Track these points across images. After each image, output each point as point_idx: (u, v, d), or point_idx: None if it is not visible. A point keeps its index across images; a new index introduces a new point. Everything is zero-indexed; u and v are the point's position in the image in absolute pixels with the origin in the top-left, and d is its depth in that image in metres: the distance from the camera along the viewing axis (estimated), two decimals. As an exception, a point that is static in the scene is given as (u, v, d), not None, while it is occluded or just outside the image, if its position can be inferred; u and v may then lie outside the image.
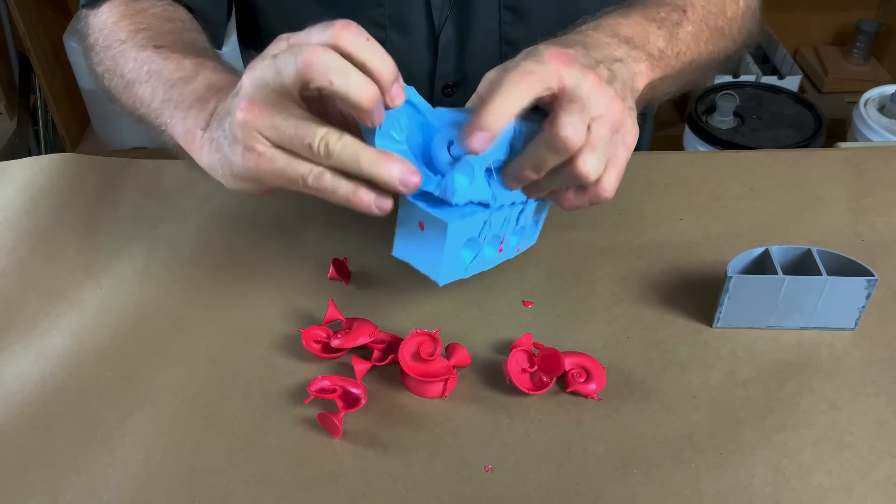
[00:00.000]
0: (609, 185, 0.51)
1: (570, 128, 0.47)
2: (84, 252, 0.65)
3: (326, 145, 0.45)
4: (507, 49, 0.75)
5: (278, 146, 0.46)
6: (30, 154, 1.86)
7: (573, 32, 0.58)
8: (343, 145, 0.45)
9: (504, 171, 0.51)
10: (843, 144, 0.80)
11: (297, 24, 0.75)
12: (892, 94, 1.56)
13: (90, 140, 1.97)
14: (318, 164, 0.46)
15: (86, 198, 0.71)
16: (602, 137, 0.49)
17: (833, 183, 0.71)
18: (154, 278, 0.62)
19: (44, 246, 0.66)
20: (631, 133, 0.52)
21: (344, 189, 0.47)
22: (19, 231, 0.67)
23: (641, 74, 0.56)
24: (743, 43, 0.70)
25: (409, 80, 0.79)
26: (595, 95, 0.48)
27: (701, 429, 0.51)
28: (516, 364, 0.53)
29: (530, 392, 0.52)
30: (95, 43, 0.66)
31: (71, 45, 1.74)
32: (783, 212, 0.68)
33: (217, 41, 0.74)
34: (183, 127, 0.53)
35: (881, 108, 1.59)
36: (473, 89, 0.78)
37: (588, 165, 0.48)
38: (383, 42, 0.72)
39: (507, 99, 0.47)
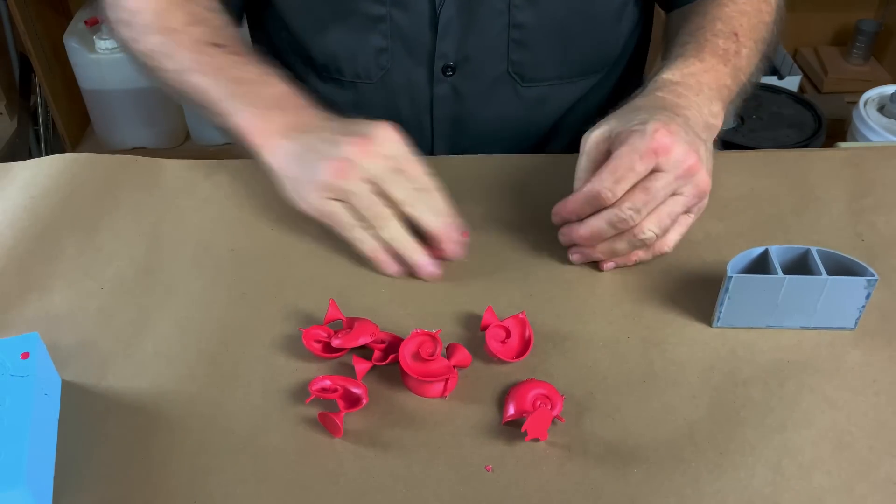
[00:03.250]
0: (672, 242, 0.60)
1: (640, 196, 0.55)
2: (84, 252, 0.65)
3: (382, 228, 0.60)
4: (515, 32, 0.75)
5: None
6: (30, 154, 1.86)
7: (661, 84, 0.63)
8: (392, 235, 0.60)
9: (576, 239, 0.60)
10: (842, 144, 0.80)
11: (307, 1, 0.76)
12: (892, 94, 1.56)
13: (90, 140, 1.97)
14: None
15: (86, 197, 0.71)
16: (673, 211, 0.57)
17: (833, 183, 0.71)
18: (154, 278, 0.62)
19: (44, 246, 0.66)
20: (706, 202, 0.59)
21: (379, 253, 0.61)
22: (19, 231, 0.67)
23: (718, 129, 0.63)
24: (775, 42, 0.73)
25: (410, 58, 0.81)
26: (682, 181, 0.56)
27: (701, 429, 0.51)
28: (494, 338, 0.55)
29: (513, 360, 0.54)
30: (132, 21, 0.70)
31: (71, 45, 1.73)
32: (783, 212, 0.68)
33: (235, 18, 0.78)
34: (261, 123, 0.62)
35: (881, 109, 1.59)
36: (476, 71, 0.80)
37: (647, 235, 0.57)
38: (383, 19, 0.73)
39: (616, 178, 0.54)
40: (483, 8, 0.73)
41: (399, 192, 0.58)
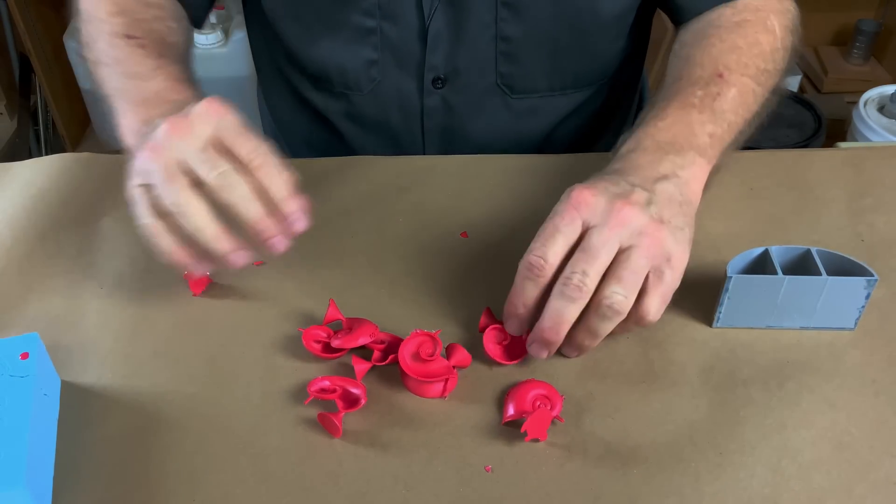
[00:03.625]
0: (653, 310, 0.51)
1: (567, 288, 0.50)
2: (84, 252, 0.65)
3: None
4: (503, 45, 0.74)
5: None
6: (30, 154, 1.86)
7: (614, 160, 0.58)
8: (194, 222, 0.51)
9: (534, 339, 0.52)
10: (842, 144, 0.80)
11: (293, 7, 0.75)
12: (892, 94, 1.56)
13: (90, 140, 1.97)
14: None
15: (86, 197, 0.71)
16: (633, 267, 0.50)
17: (833, 183, 0.71)
18: (154, 279, 0.62)
19: (44, 246, 0.66)
20: (676, 256, 0.51)
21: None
22: (19, 231, 0.67)
23: (696, 178, 0.57)
24: (787, 67, 0.68)
25: (400, 70, 0.80)
26: (619, 229, 0.50)
27: (701, 429, 0.51)
28: (492, 341, 0.55)
29: (510, 363, 0.54)
30: (79, 11, 0.70)
31: (71, 45, 1.73)
32: (783, 212, 0.68)
33: (197, 22, 0.77)
34: (125, 120, 0.59)
35: (881, 109, 1.59)
36: (465, 83, 0.78)
37: (612, 298, 0.49)
38: (374, 31, 0.73)
39: (542, 242, 0.51)
40: (471, 21, 0.72)
41: (208, 173, 0.50)
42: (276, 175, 0.51)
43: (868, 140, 1.53)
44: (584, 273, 0.49)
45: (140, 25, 0.65)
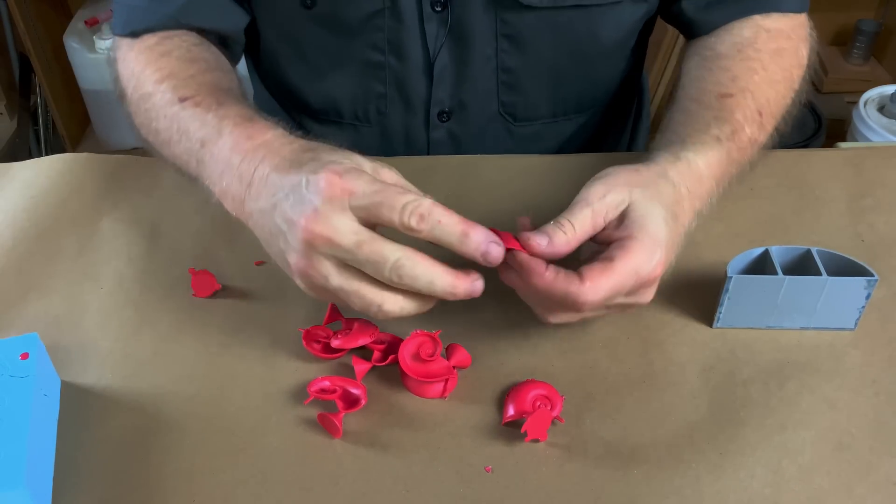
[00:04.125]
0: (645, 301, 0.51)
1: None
2: (84, 252, 0.65)
3: (399, 273, 0.46)
4: (504, 76, 0.75)
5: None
6: (30, 154, 1.86)
7: (683, 183, 0.54)
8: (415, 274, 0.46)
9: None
10: (842, 144, 0.80)
11: (297, 47, 0.74)
12: (892, 94, 1.56)
13: (90, 140, 1.97)
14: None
15: (86, 197, 0.71)
16: (619, 309, 0.52)
17: (833, 183, 0.71)
18: (154, 279, 0.62)
19: (44, 246, 0.66)
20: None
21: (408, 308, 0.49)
22: (19, 231, 0.67)
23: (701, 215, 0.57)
24: (797, 107, 0.68)
25: (406, 105, 0.79)
26: (645, 291, 0.50)
27: (701, 429, 0.51)
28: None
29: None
30: (125, 92, 0.66)
31: (71, 45, 1.73)
32: (783, 212, 0.68)
33: (236, 58, 0.74)
34: (219, 188, 0.54)
35: (881, 108, 1.59)
36: (470, 115, 0.77)
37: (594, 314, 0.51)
38: (382, 66, 0.73)
39: (605, 299, 0.48)
40: (473, 55, 0.73)
41: (380, 273, 0.46)
42: (437, 221, 0.46)
43: (868, 140, 1.53)
44: (587, 318, 0.52)
45: (189, 83, 0.61)
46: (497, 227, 0.68)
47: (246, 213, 0.52)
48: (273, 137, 0.53)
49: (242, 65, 0.79)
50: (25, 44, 1.74)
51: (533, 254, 0.49)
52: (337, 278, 0.47)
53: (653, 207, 0.50)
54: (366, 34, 0.71)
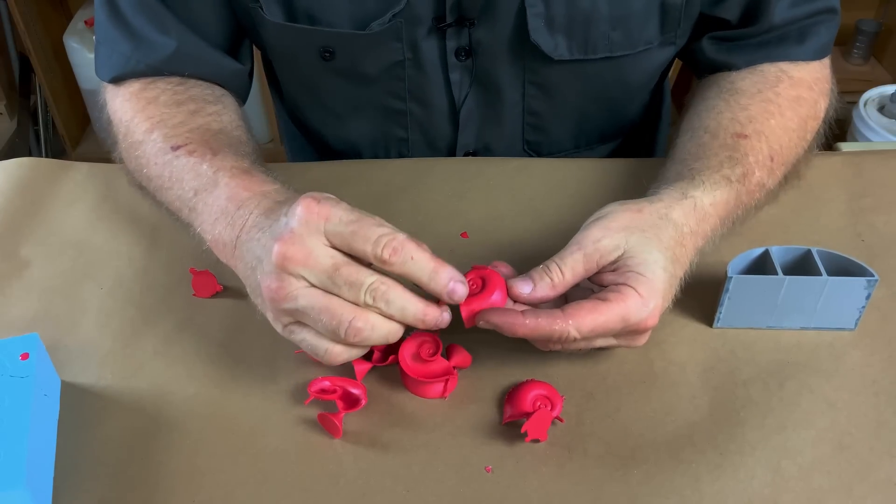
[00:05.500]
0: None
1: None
2: (84, 252, 0.65)
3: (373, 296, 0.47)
4: (531, 119, 0.75)
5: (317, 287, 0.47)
6: (30, 154, 1.86)
7: (686, 224, 0.54)
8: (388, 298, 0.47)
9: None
10: (842, 145, 0.80)
11: (315, 94, 0.74)
12: (892, 94, 1.56)
13: (90, 140, 1.97)
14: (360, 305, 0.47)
15: (87, 198, 0.71)
16: (610, 346, 0.52)
17: (832, 183, 0.71)
18: (154, 279, 0.62)
19: (44, 246, 0.66)
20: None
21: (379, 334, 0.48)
22: (19, 231, 0.67)
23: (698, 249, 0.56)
24: (817, 142, 0.68)
25: (430, 148, 0.79)
26: (637, 337, 0.51)
27: (701, 429, 0.51)
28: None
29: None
30: (116, 138, 0.66)
31: (71, 45, 1.74)
32: (783, 212, 0.68)
33: (243, 97, 0.73)
34: (211, 236, 0.54)
35: (881, 109, 1.59)
36: (494, 155, 0.77)
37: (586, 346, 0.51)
38: (403, 113, 0.73)
39: (591, 335, 0.49)
40: (500, 101, 0.73)
41: (355, 297, 0.46)
42: (409, 256, 0.46)
43: (868, 140, 1.53)
44: (581, 349, 0.52)
45: (179, 131, 0.61)
46: (496, 228, 0.68)
47: (235, 258, 0.52)
48: (271, 190, 0.54)
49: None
50: (25, 44, 1.74)
51: (516, 300, 0.50)
52: (306, 297, 0.47)
53: (651, 253, 0.50)
54: (385, 83, 0.71)
